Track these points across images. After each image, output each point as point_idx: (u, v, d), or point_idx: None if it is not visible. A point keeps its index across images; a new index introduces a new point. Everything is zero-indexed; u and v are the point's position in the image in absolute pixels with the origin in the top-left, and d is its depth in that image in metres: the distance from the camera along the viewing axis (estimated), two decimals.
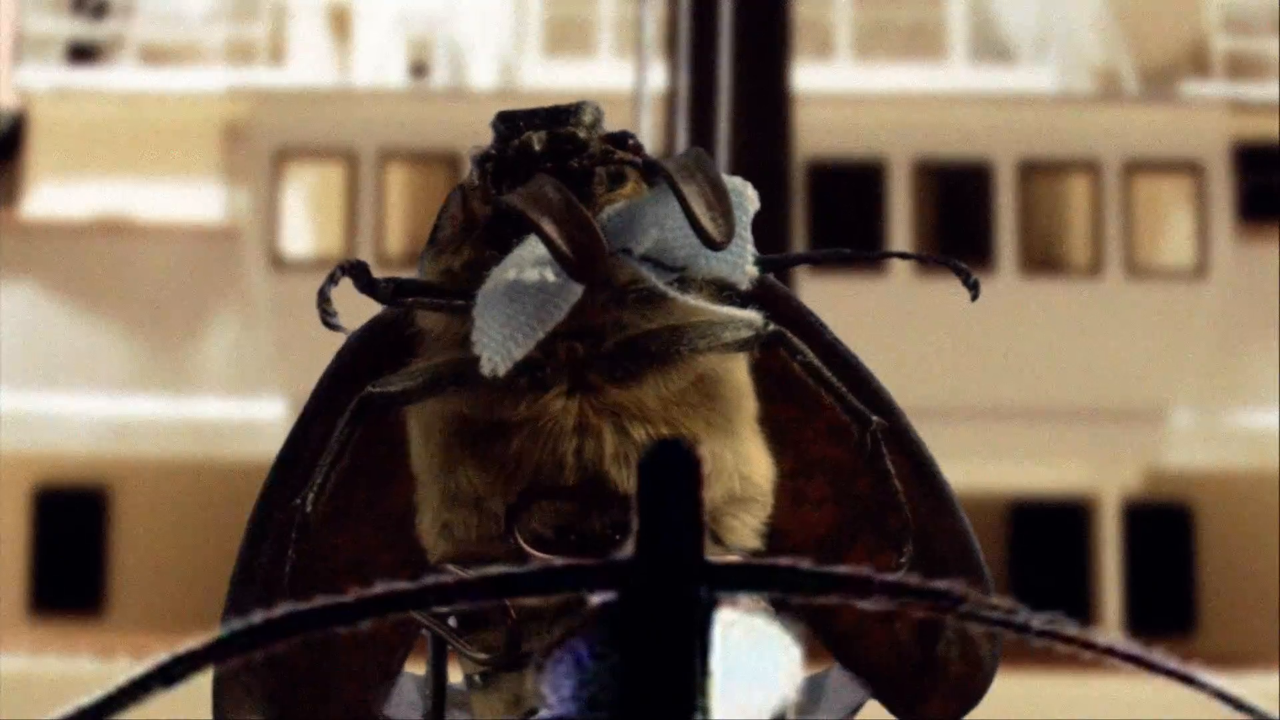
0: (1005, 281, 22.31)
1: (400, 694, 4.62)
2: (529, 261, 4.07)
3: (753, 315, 4.34)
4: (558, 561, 3.99)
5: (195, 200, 24.20)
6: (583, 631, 3.27)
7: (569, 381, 4.26)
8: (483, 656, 4.27)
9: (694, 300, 4.34)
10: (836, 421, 4.47)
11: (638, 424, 4.27)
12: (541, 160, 4.33)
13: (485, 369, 4.18)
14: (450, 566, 4.22)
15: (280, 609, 2.88)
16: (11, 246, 23.18)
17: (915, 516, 4.52)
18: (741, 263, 4.31)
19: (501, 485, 4.32)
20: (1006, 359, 21.96)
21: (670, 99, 15.34)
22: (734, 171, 4.47)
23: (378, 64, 24.62)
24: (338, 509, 4.41)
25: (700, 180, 4.11)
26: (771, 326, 4.35)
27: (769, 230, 4.63)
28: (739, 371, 4.40)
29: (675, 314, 4.34)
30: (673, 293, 4.31)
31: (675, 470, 3.03)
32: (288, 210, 22.96)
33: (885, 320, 19.78)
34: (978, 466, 20.87)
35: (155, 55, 24.90)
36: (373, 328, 4.51)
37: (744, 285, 4.33)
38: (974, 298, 4.56)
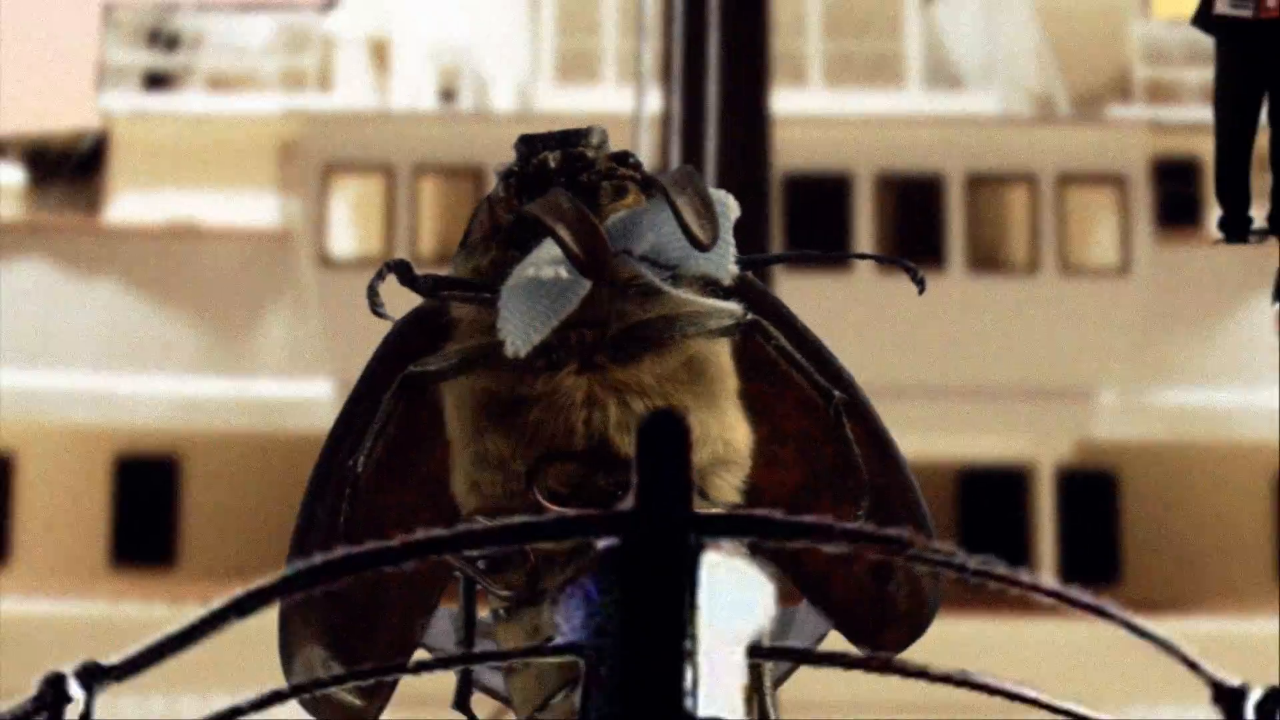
0: (955, 278, 22.41)
1: (437, 625, 4.72)
2: (546, 261, 4.17)
3: (734, 306, 4.45)
4: (569, 513, 4.09)
5: (254, 208, 24.24)
6: (590, 572, 3.38)
7: (579, 362, 4.38)
8: (506, 593, 4.38)
9: (685, 294, 4.45)
10: (804, 396, 4.59)
11: (637, 398, 4.39)
12: (556, 176, 4.45)
13: (509, 351, 4.29)
14: (479, 518, 4.34)
15: (336, 553, 2.96)
16: (95, 248, 23.21)
17: (870, 476, 4.63)
18: (725, 262, 4.41)
19: (522, 449, 4.44)
20: (955, 345, 22.02)
21: (665, 121, 15.42)
22: (720, 184, 4.55)
23: (412, 90, 24.64)
24: (384, 470, 4.53)
25: (690, 192, 4.22)
26: (750, 316, 4.47)
27: (750, 235, 4.71)
28: (722, 354, 4.51)
29: (669, 305, 4.45)
30: (667, 287, 4.42)
31: (668, 437, 3.15)
32: (334, 217, 23.00)
33: (850, 312, 19.82)
34: (930, 439, 20.93)
35: (219, 83, 24.93)
36: (413, 317, 4.61)
37: (727, 281, 4.44)
38: (920, 292, 4.64)
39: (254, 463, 22.52)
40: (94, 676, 4.25)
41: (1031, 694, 3.92)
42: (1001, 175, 22.88)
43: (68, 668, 4.30)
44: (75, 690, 4.26)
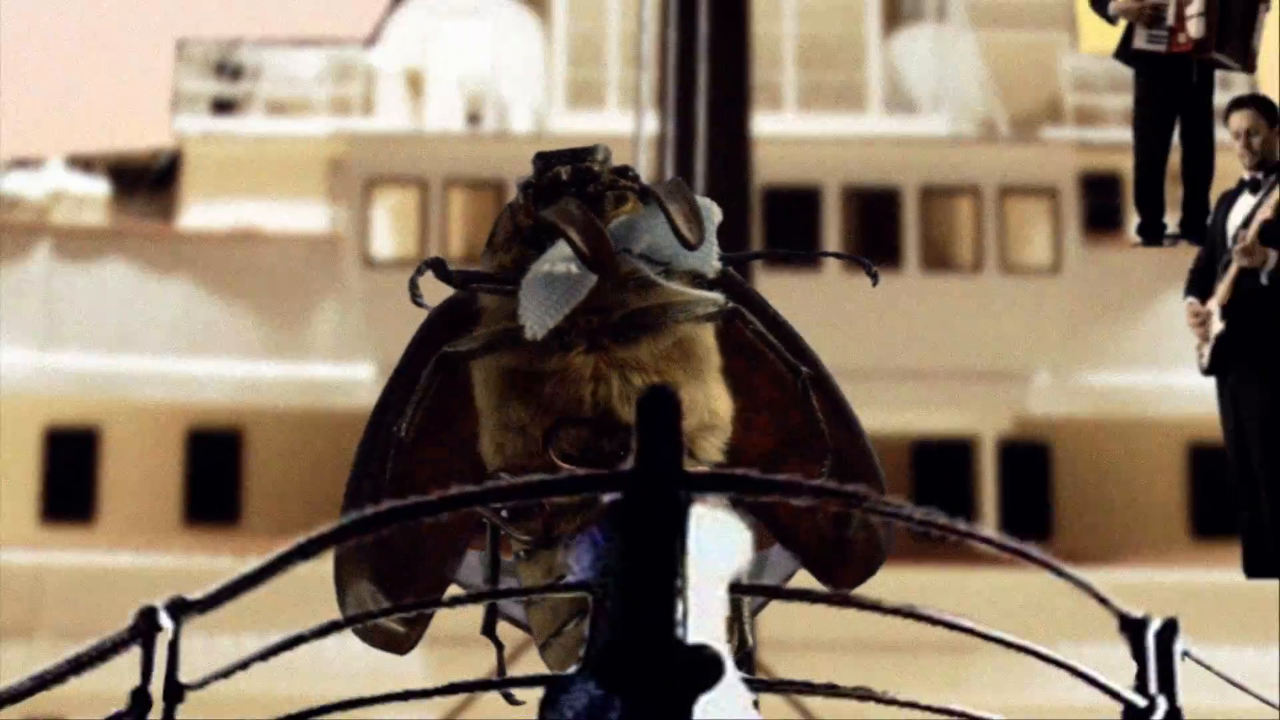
0: (910, 276, 22.41)
1: (467, 565, 4.79)
2: (559, 259, 4.25)
3: (717, 296, 4.54)
4: (579, 471, 4.20)
5: (306, 216, 24.22)
6: (597, 521, 3.50)
7: (587, 343, 4.45)
8: (526, 539, 4.46)
9: (676, 286, 4.53)
10: (777, 372, 4.67)
11: (636, 373, 4.47)
12: (568, 187, 4.53)
13: (528, 334, 4.37)
14: (503, 475, 4.42)
15: (383, 506, 3.07)
16: (170, 251, 23.22)
17: (832, 440, 4.71)
18: (710, 259, 4.50)
19: (539, 417, 4.51)
20: (910, 333, 22.02)
21: (660, 141, 15.46)
22: (707, 194, 4.62)
23: (442, 114, 24.63)
24: (423, 435, 4.60)
25: (680, 200, 4.31)
26: (731, 304, 4.56)
27: (733, 237, 4.78)
28: (708, 336, 4.60)
29: (663, 296, 4.53)
30: (661, 280, 4.51)
31: (662, 407, 3.25)
32: (375, 223, 23.00)
33: (819, 304, 19.82)
34: (888, 414, 20.91)
35: (277, 108, 24.92)
36: (446, 306, 4.70)
37: (711, 275, 4.53)
38: (875, 284, 4.71)
39: (306, 435, 22.52)
40: (180, 609, 4.33)
41: (967, 624, 4.00)
42: (950, 188, 22.86)
43: (159, 602, 4.36)
44: (165, 621, 4.34)
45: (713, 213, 4.32)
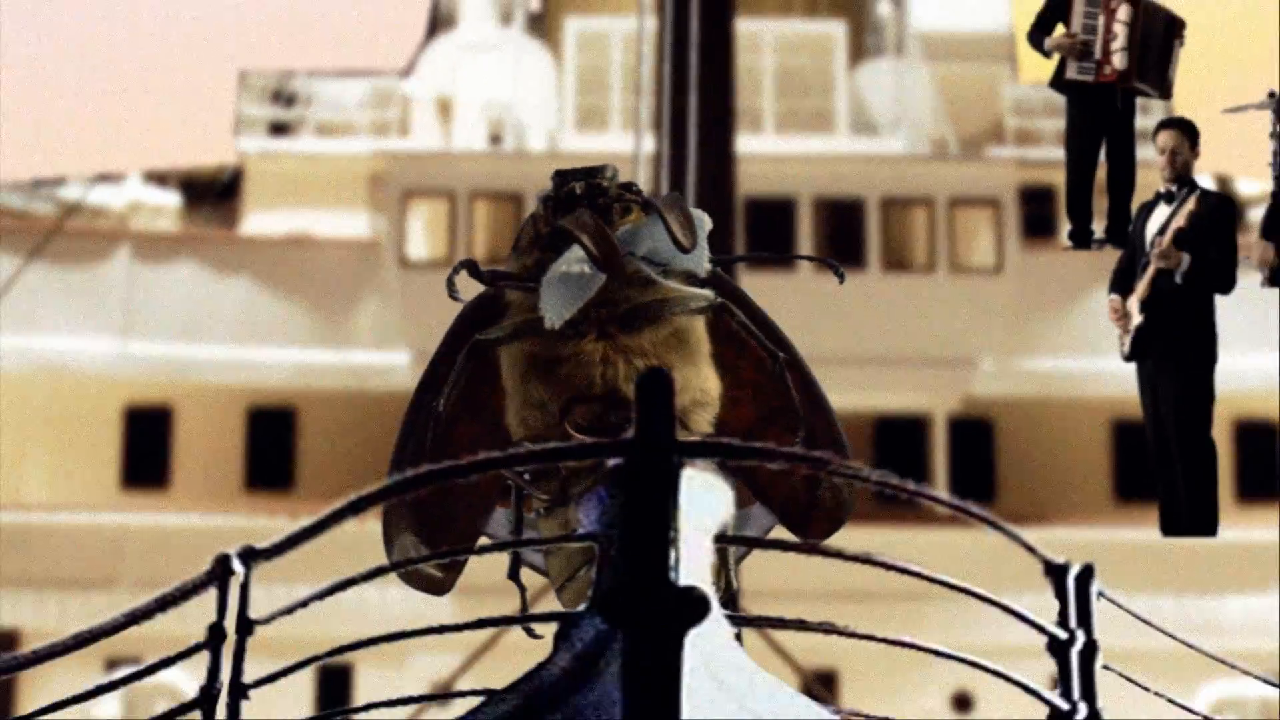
0: (872, 276, 22.36)
1: (495, 520, 4.82)
2: (574, 261, 4.30)
3: (707, 292, 4.59)
4: (589, 440, 4.26)
5: (350, 224, 24.15)
6: (604, 482, 3.55)
7: (597, 332, 4.50)
8: (544, 497, 4.50)
9: (673, 284, 4.58)
10: (758, 358, 4.72)
11: (638, 358, 4.52)
12: (581, 200, 4.58)
13: (547, 324, 4.42)
14: (525, 443, 4.46)
15: (423, 469, 3.14)
16: (233, 254, 23.17)
17: (804, 414, 4.75)
18: (701, 261, 4.55)
19: (557, 394, 4.56)
20: (873, 325, 21.99)
21: (657, 159, 15.44)
22: (697, 205, 4.67)
23: (468, 135, 24.59)
24: (458, 410, 4.64)
25: (677, 212, 4.36)
26: (719, 300, 4.60)
27: (720, 243, 4.82)
28: (700, 326, 4.64)
29: (661, 292, 4.58)
30: (660, 279, 4.56)
31: (659, 386, 3.33)
32: (410, 230, 22.94)
33: (795, 299, 19.74)
34: (854, 395, 20.90)
35: (325, 130, 24.86)
36: (477, 301, 4.73)
37: (703, 275, 4.57)
38: (841, 282, 4.74)
39: (351, 412, 22.49)
40: (250, 557, 4.37)
41: (916, 569, 4.04)
42: (907, 199, 22.80)
43: (232, 550, 4.40)
44: (237, 566, 4.38)
45: (704, 222, 4.37)
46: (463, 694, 4.08)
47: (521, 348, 4.30)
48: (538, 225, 4.41)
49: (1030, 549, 4.03)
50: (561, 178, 4.42)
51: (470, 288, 4.53)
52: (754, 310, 4.50)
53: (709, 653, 3.53)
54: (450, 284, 4.37)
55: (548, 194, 4.41)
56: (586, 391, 4.19)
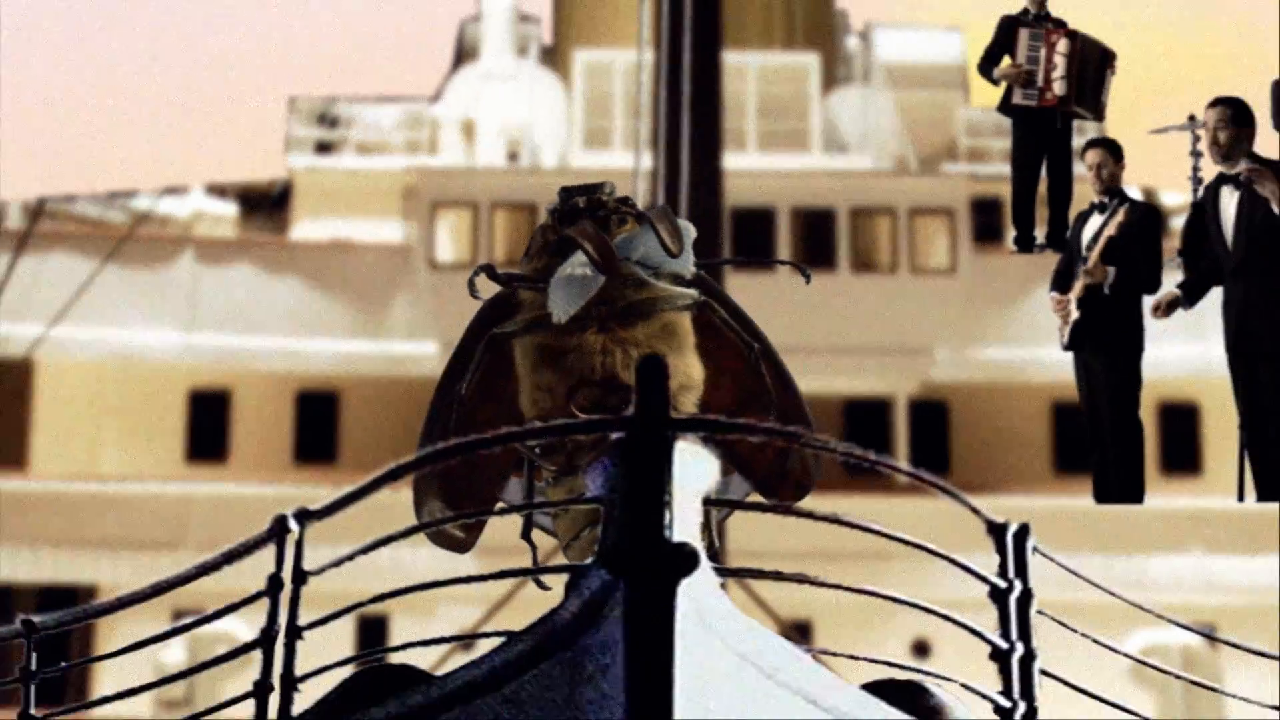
0: (842, 276, 22.33)
1: (510, 488, 4.84)
2: (577, 264, 4.34)
3: (693, 292, 4.62)
4: (595, 418, 4.29)
5: (386, 231, 24.13)
6: (606, 453, 3.60)
7: (598, 326, 4.54)
8: (553, 468, 4.54)
9: (663, 284, 4.62)
10: (736, 348, 4.75)
11: (633, 348, 4.56)
12: (584, 212, 4.62)
13: (555, 319, 4.46)
14: (536, 422, 4.49)
15: (451, 442, 3.18)
16: (284, 257, 23.13)
17: (776, 397, 4.79)
18: (688, 264, 4.59)
19: (563, 380, 4.60)
20: (842, 319, 21.96)
21: (654, 173, 15.46)
22: (690, 215, 4.73)
23: (489, 154, 24.57)
24: (478, 393, 4.67)
25: (666, 222, 4.41)
26: (702, 298, 4.64)
27: (708, 247, 4.86)
28: (686, 321, 4.68)
29: (653, 291, 4.62)
30: (652, 280, 4.60)
31: (654, 371, 3.38)
32: (438, 237, 22.91)
33: (773, 297, 19.73)
34: (826, 380, 20.94)
35: (364, 149, 24.84)
36: (494, 299, 4.77)
37: (689, 276, 4.61)
38: (807, 282, 4.78)
39: (386, 395, 22.47)
40: (304, 517, 4.41)
41: (877, 528, 4.07)
42: (873, 209, 22.76)
43: (288, 511, 4.43)
44: (293, 525, 4.42)
45: (689, 231, 4.43)
46: (486, 635, 4.12)
47: (532, 339, 4.35)
48: (546, 234, 4.47)
49: (976, 511, 4.07)
50: (567, 193, 4.48)
51: (488, 287, 4.58)
52: (732, 307, 4.57)
53: (699, 599, 3.57)
54: (471, 284, 4.42)
55: (555, 207, 4.48)
56: (589, 377, 4.25)
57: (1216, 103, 6.51)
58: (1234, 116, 6.48)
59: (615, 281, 4.26)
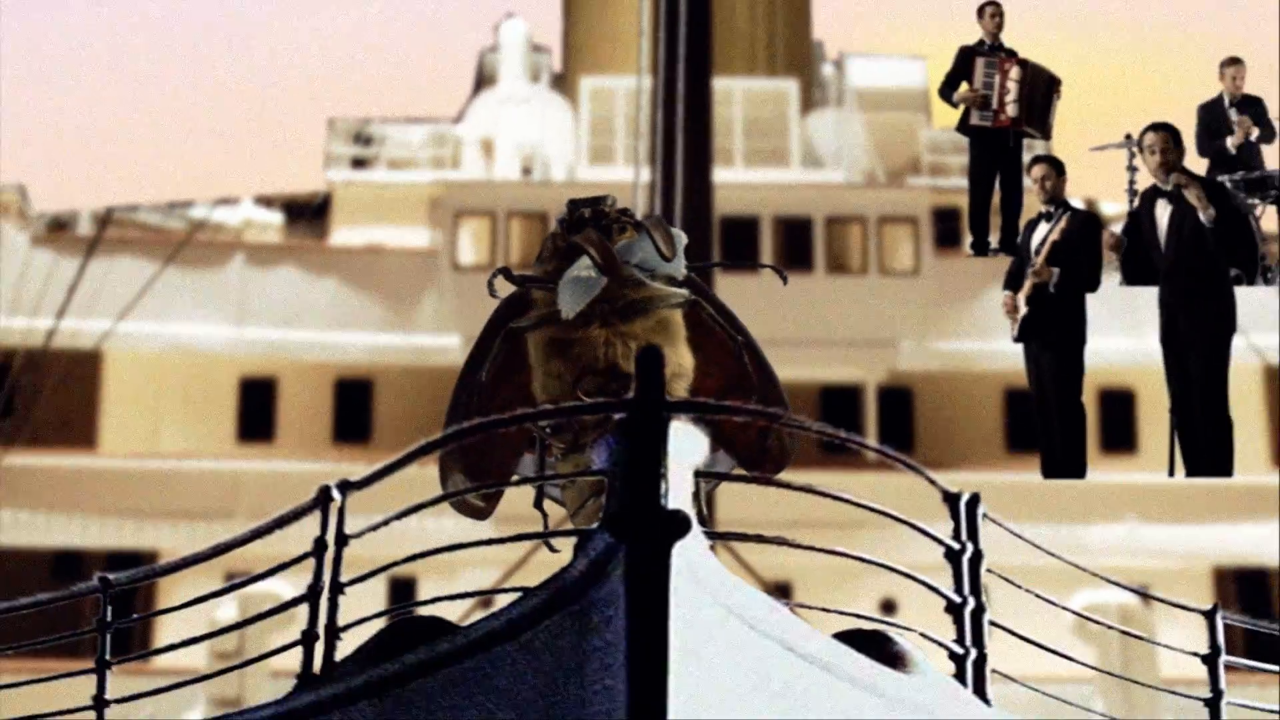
0: (819, 277, 22.34)
1: (523, 463, 4.86)
2: (583, 268, 4.36)
3: (684, 291, 4.64)
4: (600, 400, 4.29)
5: (414, 237, 24.12)
6: (610, 432, 3.63)
7: (601, 321, 4.56)
8: (562, 445, 4.56)
9: (658, 285, 4.64)
10: (722, 340, 4.77)
11: (633, 341, 4.58)
12: (588, 221, 4.64)
13: (564, 315, 4.48)
14: (547, 405, 4.50)
15: (474, 421, 3.22)
16: (324, 260, 23.15)
17: (757, 383, 4.81)
18: (680, 268, 4.61)
19: (570, 368, 4.63)
20: (819, 314, 21.97)
21: (651, 186, 15.43)
22: (683, 224, 4.76)
23: (505, 168, 24.57)
24: (496, 381, 4.68)
25: (661, 229, 4.43)
26: (692, 297, 4.65)
27: (700, 251, 4.91)
28: (679, 317, 4.70)
29: (650, 291, 4.64)
30: (648, 281, 4.62)
31: (652, 359, 3.42)
32: (461, 242, 22.93)
33: (757, 295, 19.77)
34: (804, 369, 20.94)
35: (395, 164, 24.82)
36: (510, 298, 4.79)
37: (680, 278, 4.62)
38: (784, 284, 4.80)
39: (414, 382, 22.48)
40: (346, 487, 4.43)
41: (847, 497, 4.09)
42: (846, 218, 22.77)
43: (331, 482, 4.45)
44: (335, 494, 4.44)
45: (681, 238, 4.48)
46: (504, 590, 4.15)
47: (544, 333, 4.39)
48: (556, 240, 4.50)
49: (934, 483, 4.11)
50: (574, 204, 4.52)
51: (505, 287, 4.61)
52: (719, 305, 4.62)
53: (690, 559, 3.61)
54: (490, 285, 4.46)
55: (563, 216, 4.52)
56: (594, 366, 4.29)
57: (1158, 128, 6.52)
58: (1173, 139, 6.51)
59: (616, 282, 4.30)
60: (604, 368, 4.30)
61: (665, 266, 4.37)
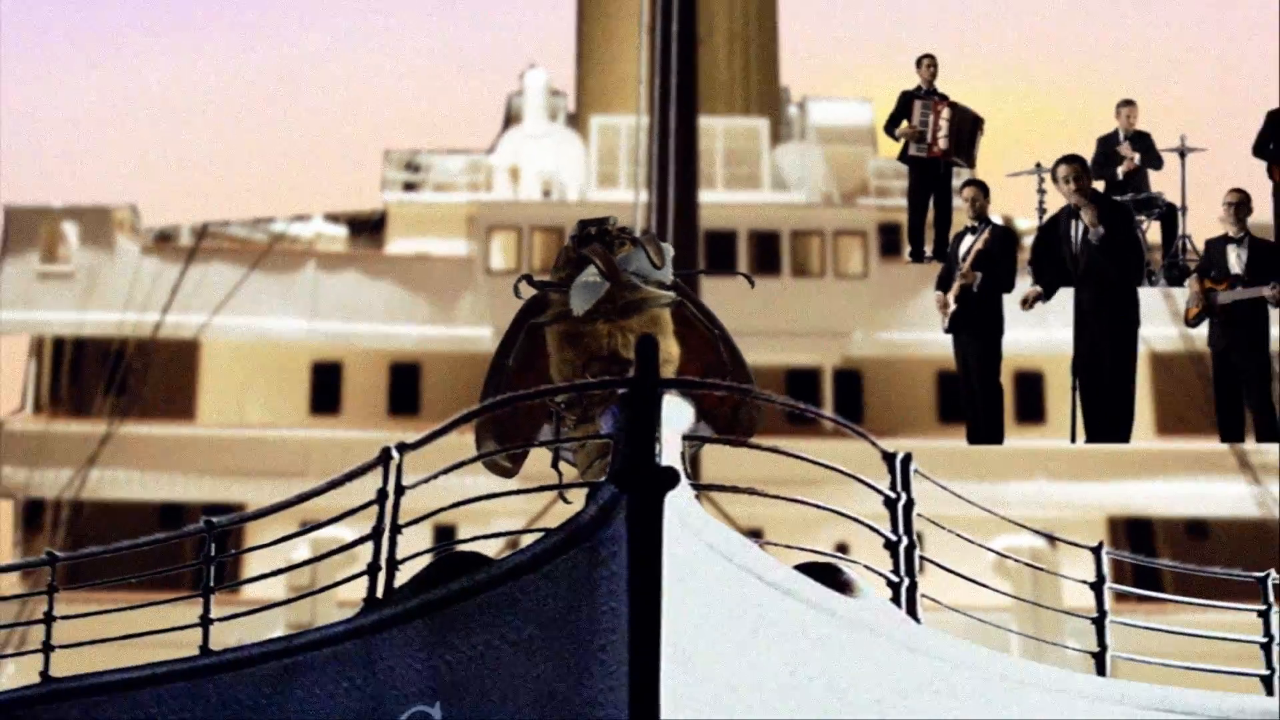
0: (785, 279, 22.30)
1: (542, 432, 4.87)
2: (590, 275, 4.40)
3: (672, 294, 4.66)
4: (607, 379, 4.30)
5: (455, 247, 24.01)
6: (615, 404, 3.67)
7: (604, 318, 4.59)
8: (573, 417, 4.57)
9: (651, 288, 4.66)
10: (702, 333, 4.80)
11: (630, 334, 4.62)
12: (595, 237, 4.67)
13: (574, 313, 4.50)
14: (561, 384, 4.46)
15: (505, 395, 3.26)
16: (381, 266, 23.10)
17: (731, 367, 4.83)
18: (668, 275, 4.63)
19: (580, 355, 4.65)
20: (785, 309, 21.94)
21: (649, 206, 15.40)
22: (674, 238, 4.80)
23: (529, 191, 24.55)
24: (520, 366, 4.71)
25: (653, 244, 4.46)
26: (678, 298, 4.67)
27: (686, 260, 4.94)
28: (667, 314, 4.73)
29: (644, 293, 4.68)
30: (643, 286, 4.64)
31: (650, 347, 3.48)
32: (492, 251, 22.89)
33: (736, 295, 19.78)
34: (773, 355, 20.94)
35: (439, 187, 24.72)
36: (531, 299, 4.81)
37: (669, 283, 4.64)
38: (751, 286, 4.84)
39: (454, 366, 22.44)
40: (403, 448, 4.46)
41: (807, 457, 4.11)
42: (808, 231, 22.76)
43: (391, 445, 4.47)
44: (394, 453, 4.48)
45: (669, 250, 4.58)
46: (529, 531, 4.21)
47: (559, 327, 4.48)
48: (568, 252, 4.60)
49: (877, 446, 4.16)
50: (583, 224, 4.63)
51: (527, 290, 4.68)
52: (699, 304, 4.71)
53: (680, 506, 3.66)
54: (515, 288, 4.54)
55: (574, 233, 4.62)
56: (599, 354, 4.37)
57: (1071, 159, 6.53)
58: (1082, 167, 6.53)
59: (617, 286, 4.39)
60: (607, 355, 4.38)
61: (656, 274, 4.45)
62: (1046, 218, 6.76)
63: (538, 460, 4.86)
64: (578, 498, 4.17)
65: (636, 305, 4.41)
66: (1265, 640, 5.57)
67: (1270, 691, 5.49)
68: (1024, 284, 6.78)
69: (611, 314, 4.40)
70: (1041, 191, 6.88)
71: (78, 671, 5.25)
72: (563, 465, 4.80)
